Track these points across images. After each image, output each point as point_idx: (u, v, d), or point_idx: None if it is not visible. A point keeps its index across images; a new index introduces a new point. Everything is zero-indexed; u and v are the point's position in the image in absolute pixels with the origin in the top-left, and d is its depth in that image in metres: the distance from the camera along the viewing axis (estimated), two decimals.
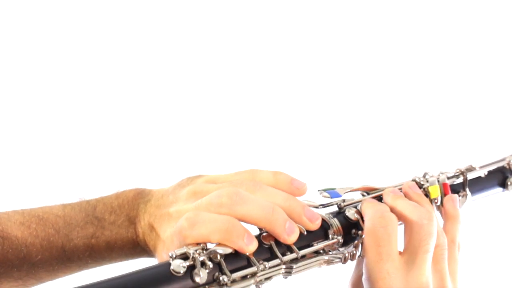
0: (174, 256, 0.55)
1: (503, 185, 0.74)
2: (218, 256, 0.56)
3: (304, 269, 0.60)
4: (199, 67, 1.51)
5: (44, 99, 1.48)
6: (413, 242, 0.61)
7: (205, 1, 1.49)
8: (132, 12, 1.48)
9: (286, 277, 0.60)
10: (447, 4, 1.49)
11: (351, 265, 0.68)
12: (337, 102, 1.53)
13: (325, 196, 0.64)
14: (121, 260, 0.70)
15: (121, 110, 1.51)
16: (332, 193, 0.64)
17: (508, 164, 0.74)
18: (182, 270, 0.54)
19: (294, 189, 0.62)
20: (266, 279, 0.58)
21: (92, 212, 0.69)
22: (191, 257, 0.55)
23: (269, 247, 0.58)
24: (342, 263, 0.63)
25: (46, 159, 1.48)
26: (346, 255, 0.62)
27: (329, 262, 0.62)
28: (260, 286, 0.58)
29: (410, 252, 0.61)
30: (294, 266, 0.59)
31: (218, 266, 0.56)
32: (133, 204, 0.69)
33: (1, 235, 0.67)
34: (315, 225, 0.60)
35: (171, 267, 0.54)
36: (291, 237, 0.58)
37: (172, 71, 1.51)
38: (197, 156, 1.49)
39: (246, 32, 1.51)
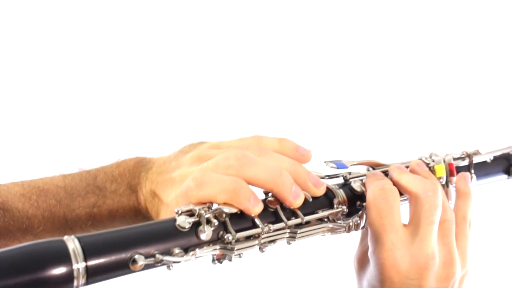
0: (180, 212, 0.55)
1: (508, 172, 0.74)
2: (224, 215, 0.55)
3: (307, 235, 0.59)
4: (200, 41, 1.50)
5: (44, 72, 1.48)
6: (417, 213, 0.61)
7: None
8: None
9: (289, 243, 0.59)
10: (447, 4, 1.51)
11: (356, 241, 0.68)
12: (343, 89, 1.53)
13: (331, 167, 0.64)
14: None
15: (120, 81, 1.50)
16: (339, 164, 0.64)
17: None
18: (187, 226, 0.54)
19: (299, 155, 0.62)
20: (270, 242, 0.58)
21: (93, 181, 0.69)
22: (196, 213, 0.54)
23: (274, 211, 0.58)
24: (346, 232, 0.62)
25: (45, 130, 1.47)
26: (351, 224, 0.62)
27: (333, 230, 0.61)
28: (263, 249, 0.58)
29: (415, 224, 0.61)
30: (298, 231, 0.58)
31: (223, 225, 0.55)
32: (134, 172, 0.68)
33: (1, 207, 0.66)
34: (320, 191, 0.60)
35: (177, 223, 0.54)
36: (296, 201, 0.58)
37: (174, 45, 1.51)
38: (197, 125, 1.48)
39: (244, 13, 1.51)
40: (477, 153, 0.71)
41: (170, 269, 0.54)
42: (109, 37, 1.49)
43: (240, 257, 0.57)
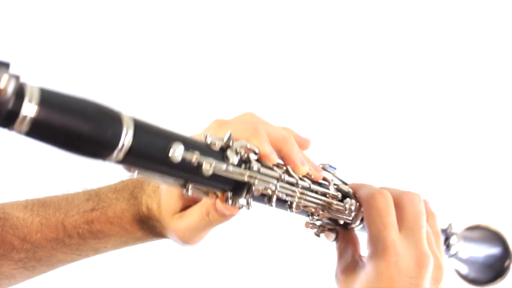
0: (207, 136, 0.55)
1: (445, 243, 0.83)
2: (247, 151, 0.57)
3: (311, 202, 0.62)
4: (199, 43, 1.48)
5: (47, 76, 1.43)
6: (408, 219, 0.65)
7: None
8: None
9: (292, 209, 0.62)
10: (447, 4, 1.51)
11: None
12: (343, 90, 1.50)
13: (322, 165, 0.68)
14: (121, 237, 0.68)
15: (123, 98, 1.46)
16: (329, 165, 0.69)
17: (449, 226, 0.84)
18: (217, 143, 0.55)
19: (300, 141, 0.66)
20: (281, 191, 0.59)
21: (95, 193, 0.69)
22: (225, 139, 0.55)
23: (286, 170, 0.61)
24: (346, 214, 0.66)
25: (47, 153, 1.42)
26: (348, 206, 0.65)
27: (329, 208, 0.65)
28: (273, 200, 0.59)
29: (407, 229, 0.65)
30: (307, 192, 0.61)
31: (247, 157, 0.57)
32: (137, 183, 0.69)
33: (2, 216, 0.68)
34: (319, 175, 0.64)
35: (207, 140, 0.55)
36: (303, 168, 0.61)
37: (172, 50, 1.49)
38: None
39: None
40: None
41: (187, 193, 0.54)
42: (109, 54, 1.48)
43: (248, 208, 0.58)
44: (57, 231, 0.68)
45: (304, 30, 1.51)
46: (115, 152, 0.47)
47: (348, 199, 0.66)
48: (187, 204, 0.64)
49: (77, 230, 0.68)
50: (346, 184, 0.69)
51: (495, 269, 0.87)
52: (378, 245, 0.63)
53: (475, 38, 1.49)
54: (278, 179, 0.59)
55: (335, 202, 0.65)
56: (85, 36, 1.49)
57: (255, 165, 0.56)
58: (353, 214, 0.67)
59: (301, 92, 1.54)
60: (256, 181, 0.56)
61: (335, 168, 0.70)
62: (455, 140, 1.51)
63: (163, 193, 0.65)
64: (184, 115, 1.51)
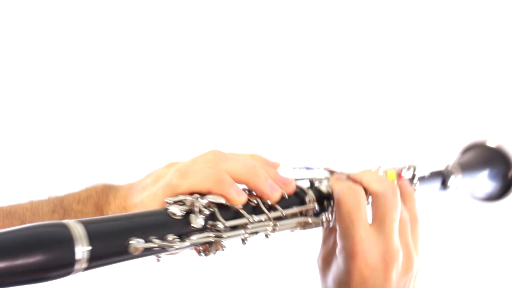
0: (171, 202, 0.56)
1: (444, 184, 0.83)
2: (212, 205, 0.57)
3: (286, 228, 0.63)
4: (198, 47, 1.48)
5: (33, 99, 1.46)
6: (380, 212, 0.66)
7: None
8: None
9: (268, 236, 0.62)
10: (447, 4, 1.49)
11: (317, 242, 0.72)
12: (341, 92, 1.51)
13: (300, 168, 0.69)
14: None
15: (109, 113, 1.48)
16: (307, 167, 0.69)
17: (446, 168, 0.84)
18: (179, 213, 0.55)
19: (269, 166, 0.66)
20: (253, 233, 0.60)
21: (60, 203, 0.69)
22: (189, 203, 0.56)
23: (256, 205, 0.61)
24: (320, 225, 0.67)
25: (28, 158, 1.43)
26: (324, 218, 0.66)
27: (307, 224, 0.65)
28: (246, 240, 0.60)
29: (379, 222, 0.66)
30: (279, 223, 0.62)
31: (211, 215, 0.57)
32: (102, 194, 0.69)
33: None
34: (290, 188, 0.65)
35: (169, 210, 0.55)
36: (274, 194, 0.62)
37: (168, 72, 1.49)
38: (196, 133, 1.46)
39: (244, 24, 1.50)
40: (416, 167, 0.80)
41: (158, 261, 0.55)
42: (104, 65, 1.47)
43: (223, 250, 0.58)
44: None
45: (303, 30, 1.49)
46: (76, 266, 0.47)
47: (323, 215, 0.67)
48: None
49: None
50: (327, 178, 0.69)
51: (503, 183, 0.91)
52: (347, 241, 0.65)
53: (475, 38, 1.48)
54: (247, 223, 0.59)
55: (310, 219, 0.66)
56: (85, 36, 1.46)
57: (220, 224, 0.57)
58: (331, 221, 0.68)
59: (301, 92, 1.52)
60: (224, 239, 0.57)
61: (312, 169, 0.69)
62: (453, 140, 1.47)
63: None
64: (183, 115, 1.50)
